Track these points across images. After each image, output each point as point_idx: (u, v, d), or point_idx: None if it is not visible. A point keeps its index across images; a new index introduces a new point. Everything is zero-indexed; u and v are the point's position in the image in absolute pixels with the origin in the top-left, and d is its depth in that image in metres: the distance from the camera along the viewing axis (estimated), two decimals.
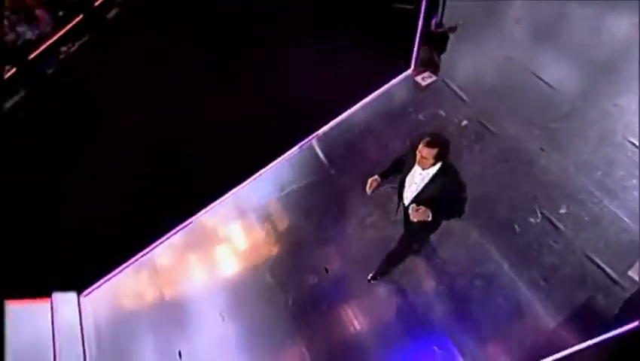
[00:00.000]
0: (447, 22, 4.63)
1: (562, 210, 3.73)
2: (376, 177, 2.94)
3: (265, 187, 4.38)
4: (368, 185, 2.94)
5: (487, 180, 3.98)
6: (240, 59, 5.11)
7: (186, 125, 4.89)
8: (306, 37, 5.29)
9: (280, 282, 3.73)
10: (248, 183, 4.42)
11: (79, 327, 3.66)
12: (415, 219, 2.68)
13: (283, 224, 4.10)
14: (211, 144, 4.66)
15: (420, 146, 2.59)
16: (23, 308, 3.54)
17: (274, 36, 5.31)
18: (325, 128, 4.65)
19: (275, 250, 3.97)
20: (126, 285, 4.02)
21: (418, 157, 2.63)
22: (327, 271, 3.72)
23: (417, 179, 2.72)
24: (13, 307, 3.51)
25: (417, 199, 2.74)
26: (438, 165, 2.65)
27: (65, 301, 3.78)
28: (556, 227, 3.64)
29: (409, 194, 2.81)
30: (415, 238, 3.31)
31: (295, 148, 4.55)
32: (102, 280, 4.02)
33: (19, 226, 4.48)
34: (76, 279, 3.95)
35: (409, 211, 2.71)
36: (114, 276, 4.07)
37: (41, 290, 3.78)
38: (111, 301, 3.91)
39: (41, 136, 5.46)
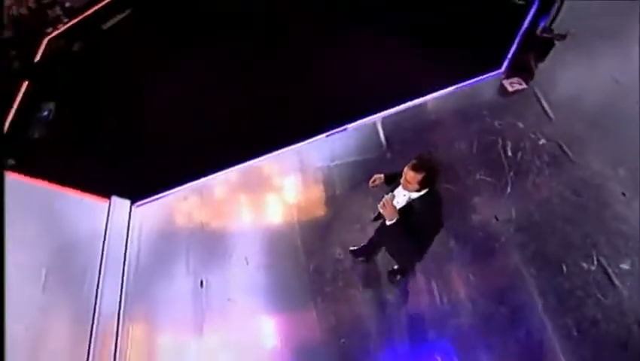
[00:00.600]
0: (557, 29, 4.14)
1: (625, 266, 3.34)
2: (381, 175, 2.87)
3: (322, 152, 4.41)
4: (372, 180, 2.90)
5: (549, 208, 3.67)
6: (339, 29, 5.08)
7: (269, 78, 5.07)
8: (401, 17, 5.12)
9: (307, 246, 3.83)
10: (308, 144, 4.49)
11: (126, 232, 4.11)
12: (380, 210, 2.46)
13: (328, 192, 4.14)
14: (287, 100, 4.80)
15: (406, 168, 2.37)
16: (85, 201, 4.04)
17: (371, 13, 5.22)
18: (393, 110, 4.52)
19: (313, 215, 4.05)
20: (175, 206, 4.37)
21: (402, 178, 2.42)
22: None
23: (399, 198, 2.51)
24: (76, 197, 4.03)
25: None
26: (424, 192, 2.43)
27: (120, 206, 4.23)
28: (612, 281, 3.29)
29: None
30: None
31: (358, 122, 4.50)
32: (155, 196, 4.41)
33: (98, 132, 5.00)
34: (134, 190, 4.39)
35: (383, 199, 2.47)
36: (167, 195, 4.42)
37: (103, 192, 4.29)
38: (158, 217, 4.30)
39: (134, 52, 5.94)
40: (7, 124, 5.35)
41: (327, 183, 4.21)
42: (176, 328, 3.63)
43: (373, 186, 2.92)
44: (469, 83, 4.54)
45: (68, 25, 6.66)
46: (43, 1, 6.63)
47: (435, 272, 3.52)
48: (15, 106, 5.54)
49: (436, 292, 3.45)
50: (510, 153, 4.00)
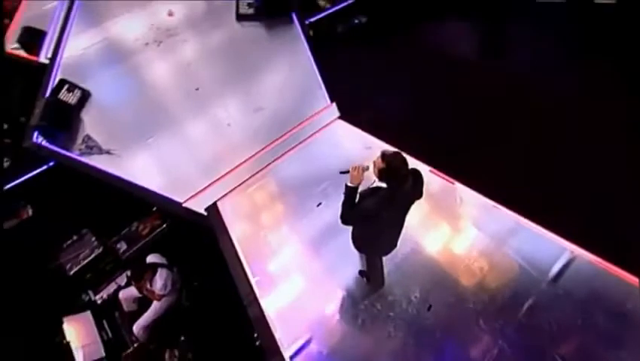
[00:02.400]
0: None
1: None
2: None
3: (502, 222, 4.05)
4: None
5: None
6: None
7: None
8: None
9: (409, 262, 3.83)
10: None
11: (319, 126, 4.91)
12: (350, 168, 2.64)
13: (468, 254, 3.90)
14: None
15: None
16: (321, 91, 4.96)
17: None
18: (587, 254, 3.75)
19: (444, 250, 3.93)
20: (360, 147, 4.77)
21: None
22: (429, 309, 3.59)
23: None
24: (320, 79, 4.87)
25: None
26: (384, 185, 2.58)
27: (332, 110, 5.02)
28: None
29: None
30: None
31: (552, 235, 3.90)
32: (355, 128, 4.93)
33: None
34: (351, 112, 5.06)
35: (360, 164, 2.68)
36: (363, 134, 4.83)
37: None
38: (343, 138, 4.89)
39: None
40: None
41: (479, 259, 3.87)
42: (283, 213, 4.28)
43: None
44: None
45: None
46: None
47: None
48: (338, 8, 7.05)
49: None
50: None
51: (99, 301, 4.03)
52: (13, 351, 3.42)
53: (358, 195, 2.70)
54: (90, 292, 4.08)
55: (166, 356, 3.78)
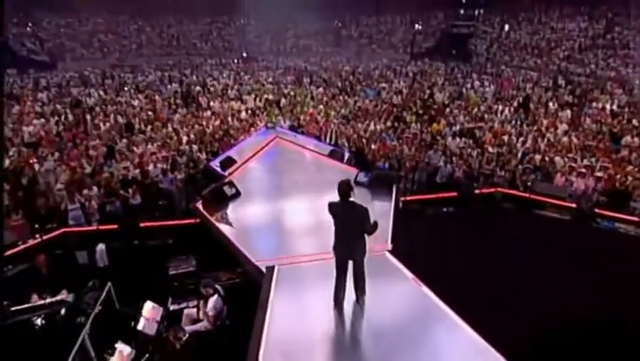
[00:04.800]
0: None
1: None
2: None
3: None
4: None
5: None
6: None
7: None
8: None
9: None
10: None
11: None
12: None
13: None
14: None
15: None
16: None
17: None
18: None
19: None
20: None
21: None
22: None
23: None
24: None
25: None
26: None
27: (386, 246, 6.10)
28: None
29: None
30: None
31: None
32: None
33: None
34: None
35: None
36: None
37: None
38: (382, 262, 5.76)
39: None
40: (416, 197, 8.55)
41: None
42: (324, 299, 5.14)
43: None
44: None
45: None
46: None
47: None
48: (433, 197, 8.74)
49: None
50: None
51: (170, 308, 5.44)
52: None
53: None
54: (170, 299, 5.57)
55: None
